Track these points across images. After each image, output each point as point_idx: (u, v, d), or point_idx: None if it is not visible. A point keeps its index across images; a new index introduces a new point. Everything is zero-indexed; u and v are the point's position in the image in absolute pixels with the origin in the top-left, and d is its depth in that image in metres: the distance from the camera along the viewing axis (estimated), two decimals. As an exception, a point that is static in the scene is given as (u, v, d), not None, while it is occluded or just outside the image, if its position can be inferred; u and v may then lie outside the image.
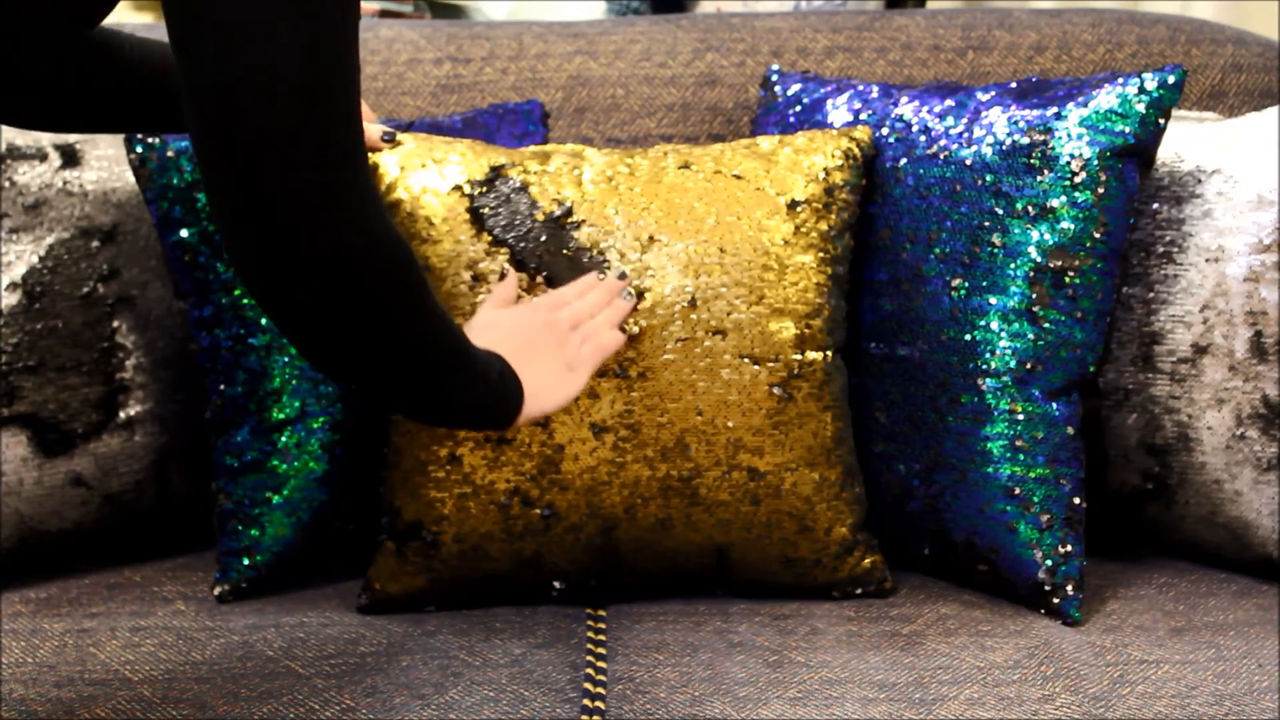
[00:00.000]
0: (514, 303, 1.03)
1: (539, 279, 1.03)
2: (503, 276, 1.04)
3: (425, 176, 1.06)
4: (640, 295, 1.03)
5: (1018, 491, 1.03)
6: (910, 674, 0.93)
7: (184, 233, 1.12)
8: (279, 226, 0.71)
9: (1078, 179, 1.03)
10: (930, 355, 1.07)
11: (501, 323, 0.99)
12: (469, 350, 0.88)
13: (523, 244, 1.04)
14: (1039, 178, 1.04)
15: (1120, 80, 1.05)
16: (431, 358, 0.84)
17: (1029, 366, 1.03)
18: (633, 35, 1.40)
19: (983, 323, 1.04)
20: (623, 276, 1.04)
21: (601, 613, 1.05)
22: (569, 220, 1.05)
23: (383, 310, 0.78)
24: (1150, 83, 1.03)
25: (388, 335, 0.79)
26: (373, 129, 1.08)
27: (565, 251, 1.04)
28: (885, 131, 1.13)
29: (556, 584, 1.06)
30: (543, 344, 0.97)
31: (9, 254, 1.11)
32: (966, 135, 1.08)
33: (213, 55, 0.68)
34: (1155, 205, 1.12)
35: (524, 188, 1.06)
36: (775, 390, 1.03)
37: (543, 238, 1.04)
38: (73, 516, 1.15)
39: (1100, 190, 1.03)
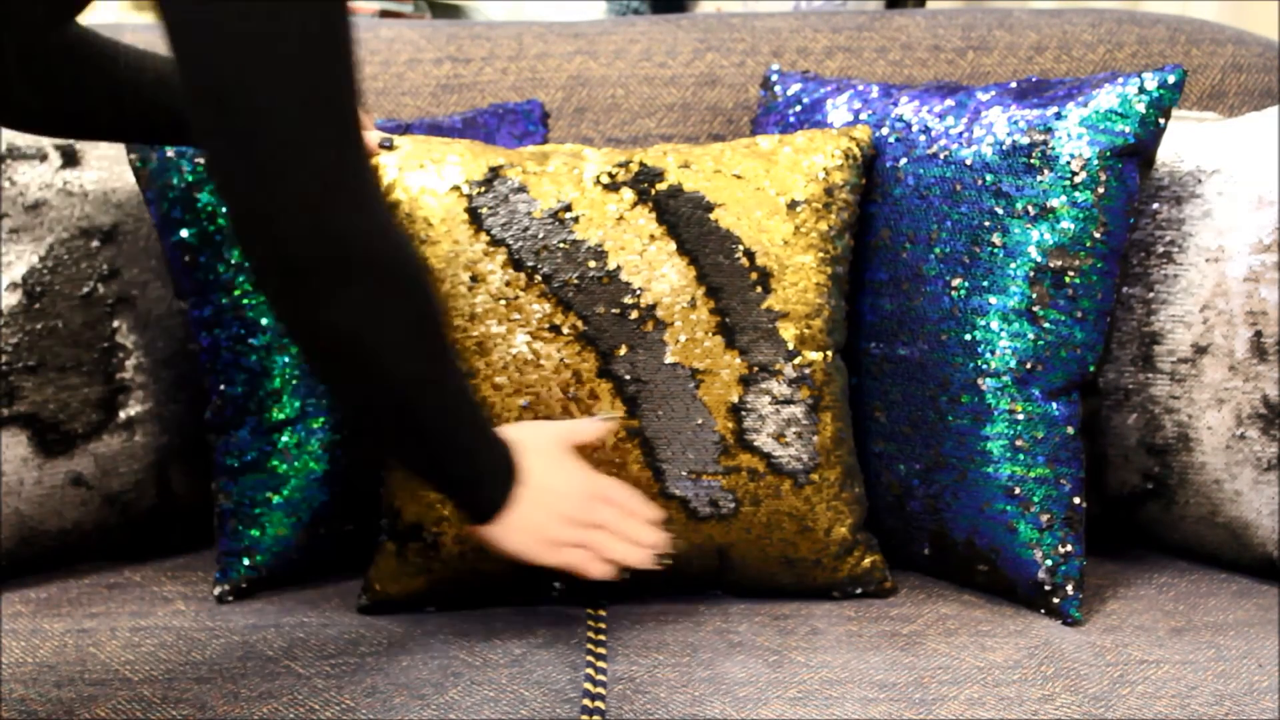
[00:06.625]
0: (581, 448, 0.97)
1: (536, 277, 1.03)
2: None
3: (423, 177, 1.06)
4: (639, 297, 1.03)
5: (1018, 491, 1.03)
6: (910, 674, 0.93)
7: (184, 233, 1.12)
8: (285, 223, 0.74)
9: (1078, 179, 1.03)
10: (930, 355, 1.07)
11: (552, 455, 0.93)
12: (478, 415, 0.86)
13: (520, 243, 1.04)
14: (1039, 178, 1.04)
15: (1120, 80, 1.05)
16: (429, 397, 0.82)
17: (1029, 366, 1.03)
18: (633, 35, 1.40)
19: (983, 322, 1.04)
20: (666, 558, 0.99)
21: (601, 613, 1.05)
22: (567, 220, 1.05)
23: (387, 316, 0.78)
24: (1150, 83, 1.03)
25: (387, 347, 0.79)
26: (370, 136, 1.08)
27: (564, 251, 1.04)
28: (885, 131, 1.13)
29: (556, 584, 1.06)
30: (562, 506, 0.92)
31: (9, 254, 1.11)
32: (966, 135, 1.08)
33: (212, 63, 0.70)
34: (1155, 205, 1.12)
35: (523, 188, 1.06)
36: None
37: (540, 236, 1.04)
38: (73, 516, 1.15)
39: (1100, 190, 1.03)
